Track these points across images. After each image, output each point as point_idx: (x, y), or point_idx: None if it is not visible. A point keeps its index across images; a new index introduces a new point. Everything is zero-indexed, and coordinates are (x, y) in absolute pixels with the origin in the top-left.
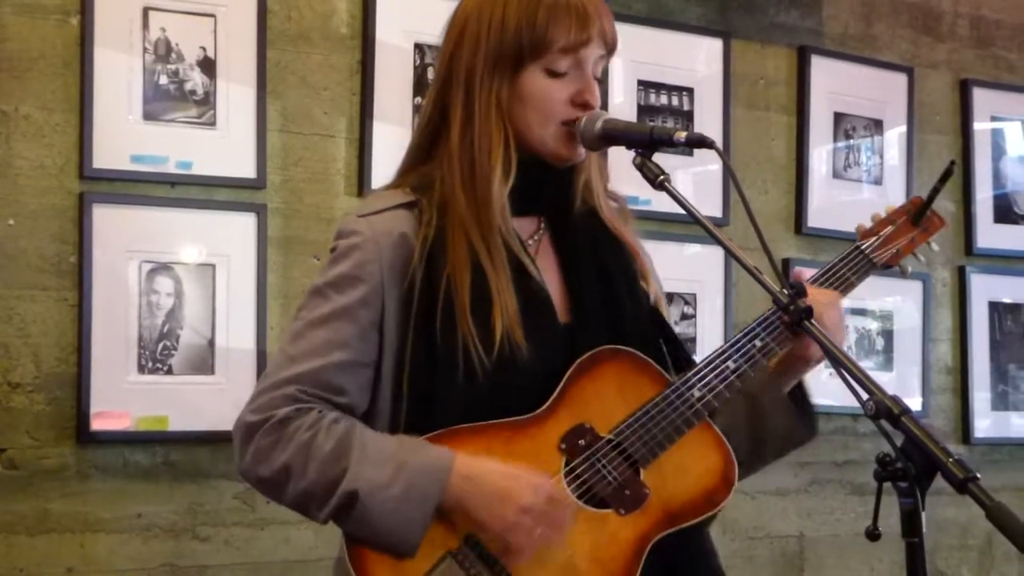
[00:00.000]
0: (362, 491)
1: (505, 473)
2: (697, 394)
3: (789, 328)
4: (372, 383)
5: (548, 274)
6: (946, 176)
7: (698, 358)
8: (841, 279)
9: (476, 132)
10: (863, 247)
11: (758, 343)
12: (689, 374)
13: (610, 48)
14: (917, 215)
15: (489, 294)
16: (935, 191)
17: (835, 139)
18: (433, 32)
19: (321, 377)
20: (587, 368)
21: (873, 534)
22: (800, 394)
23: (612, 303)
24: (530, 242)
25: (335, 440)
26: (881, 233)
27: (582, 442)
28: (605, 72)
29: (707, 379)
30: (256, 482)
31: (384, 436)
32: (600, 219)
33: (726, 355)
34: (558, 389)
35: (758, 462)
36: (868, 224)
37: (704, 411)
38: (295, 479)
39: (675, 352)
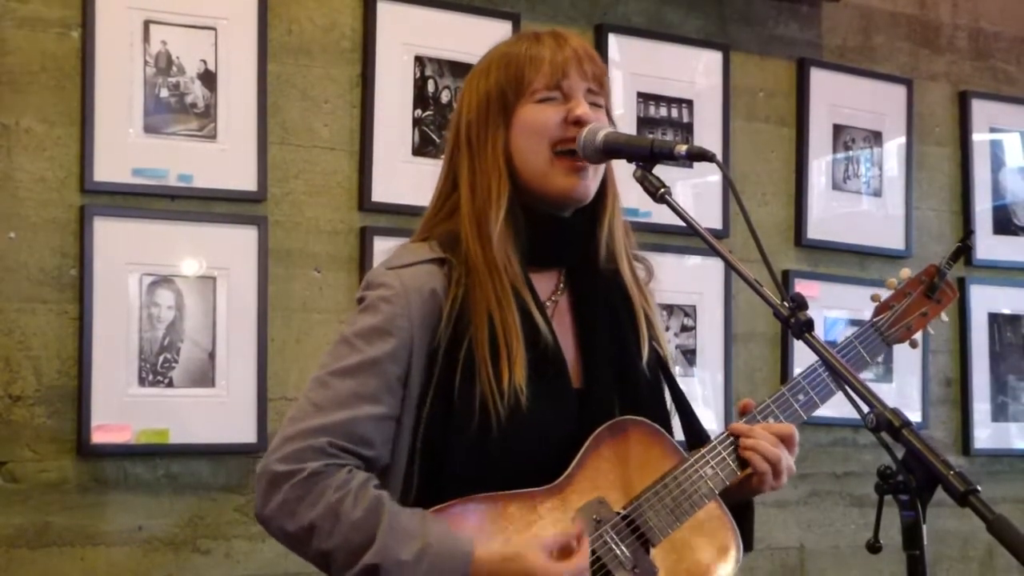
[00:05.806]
0: (385, 566)
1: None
2: (709, 472)
3: (806, 404)
4: (394, 437)
5: (564, 336)
6: (959, 252)
7: (697, 369)
8: (857, 358)
9: (479, 181)
10: (879, 324)
11: (772, 421)
12: (703, 450)
13: (598, 82)
14: (931, 287)
15: (498, 346)
16: (948, 265)
17: (834, 151)
18: (433, 45)
19: (351, 429)
20: (605, 438)
21: (874, 547)
22: (745, 511)
23: (625, 371)
24: (548, 303)
25: (364, 508)
26: (896, 307)
27: (596, 517)
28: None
29: (720, 455)
30: (277, 532)
31: (410, 512)
32: (622, 282)
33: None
34: (576, 458)
35: None
36: (884, 291)
37: (715, 490)
38: (319, 539)
39: (688, 423)
